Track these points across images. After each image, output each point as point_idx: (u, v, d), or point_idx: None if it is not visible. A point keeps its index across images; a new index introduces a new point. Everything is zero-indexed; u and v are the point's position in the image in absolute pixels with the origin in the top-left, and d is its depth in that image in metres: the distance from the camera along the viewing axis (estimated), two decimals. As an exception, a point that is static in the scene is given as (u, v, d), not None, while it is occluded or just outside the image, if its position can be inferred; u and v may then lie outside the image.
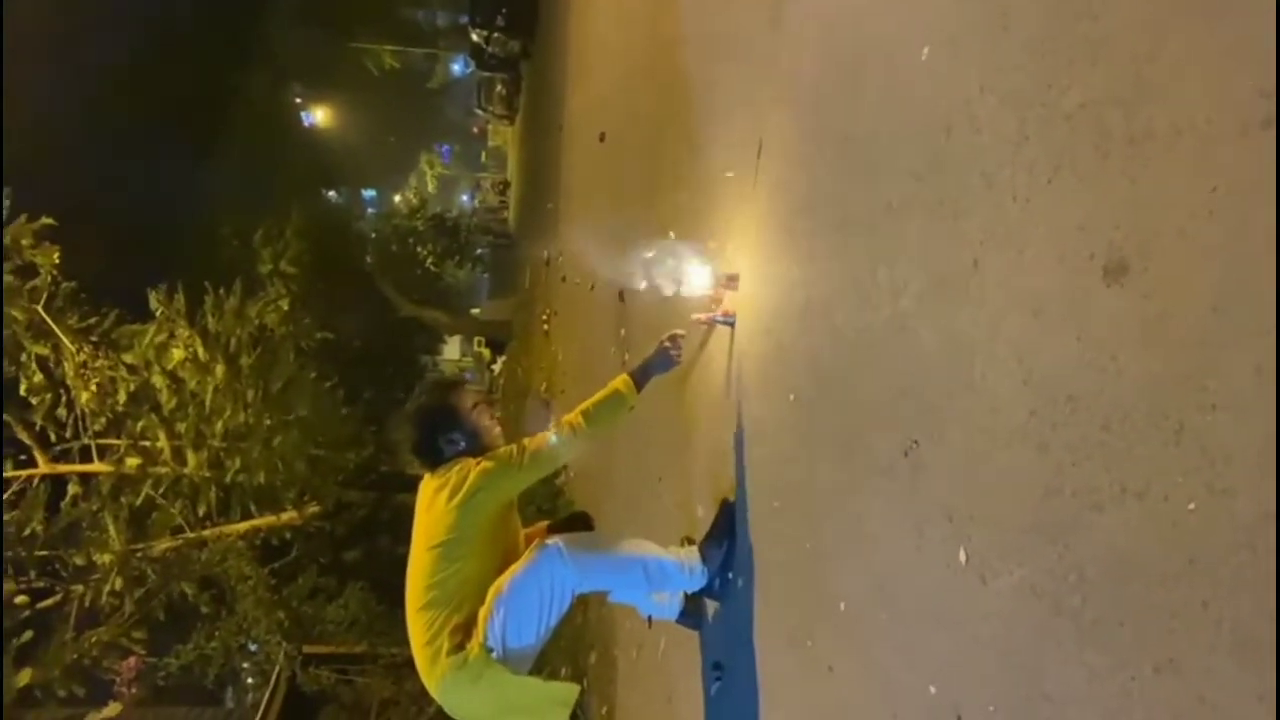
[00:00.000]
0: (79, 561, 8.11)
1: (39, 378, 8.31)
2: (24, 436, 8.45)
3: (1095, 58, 1.36)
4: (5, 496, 7.95)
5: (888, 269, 2.01)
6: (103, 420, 8.60)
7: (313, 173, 25.86)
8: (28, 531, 7.83)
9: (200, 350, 8.82)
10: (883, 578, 1.96)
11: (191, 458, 8.70)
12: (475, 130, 39.70)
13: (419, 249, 18.32)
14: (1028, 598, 1.43)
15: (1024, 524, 1.46)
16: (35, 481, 8.38)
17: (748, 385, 3.01)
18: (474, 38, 19.71)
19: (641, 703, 4.43)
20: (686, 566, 3.01)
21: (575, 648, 6.03)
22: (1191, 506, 1.13)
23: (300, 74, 29.34)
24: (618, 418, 2.97)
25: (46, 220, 8.25)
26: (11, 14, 13.60)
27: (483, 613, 2.72)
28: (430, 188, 36.89)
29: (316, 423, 9.74)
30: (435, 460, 2.94)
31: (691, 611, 3.30)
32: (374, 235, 19.09)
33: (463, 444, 2.93)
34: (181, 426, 8.71)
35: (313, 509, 10.01)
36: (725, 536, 3.03)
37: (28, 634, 7.33)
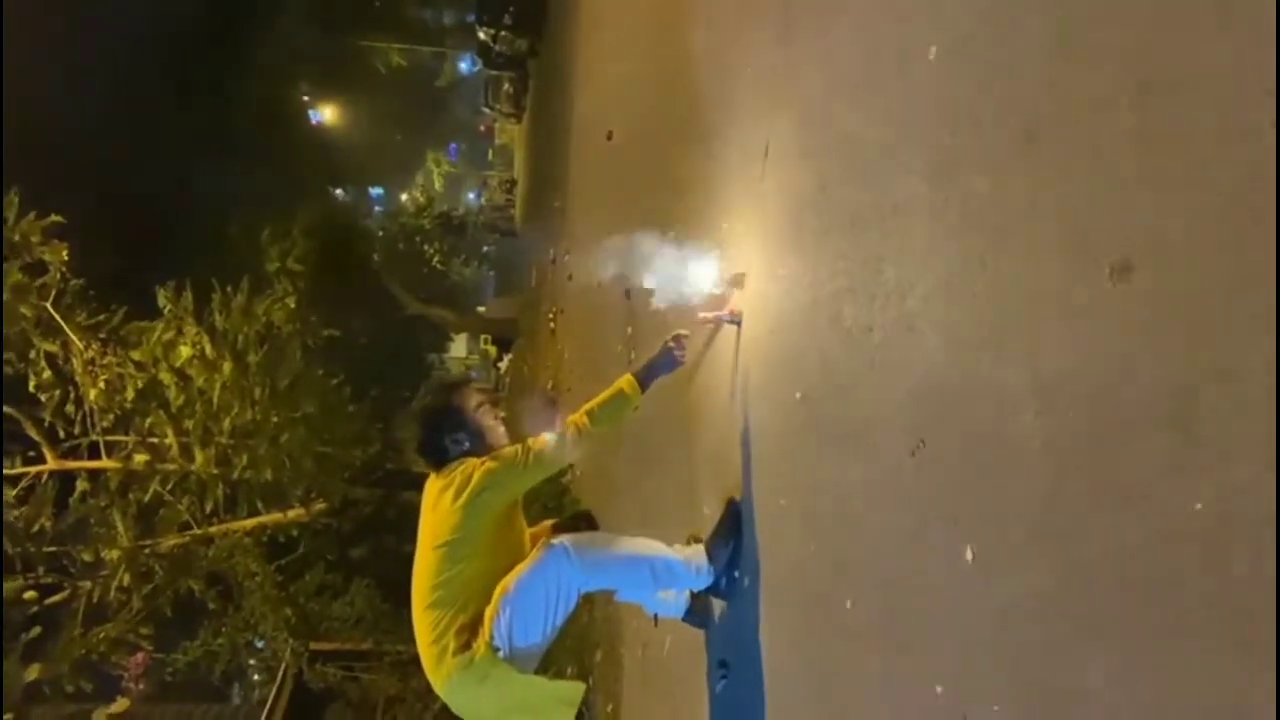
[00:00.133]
0: (87, 558, 8.14)
1: (47, 374, 8.34)
2: (33, 433, 8.48)
3: (1102, 59, 1.36)
4: (14, 493, 7.98)
5: (894, 269, 2.01)
6: (111, 417, 8.63)
7: (320, 171, 25.92)
8: (36, 528, 7.86)
9: (208, 348, 8.84)
10: (889, 577, 1.96)
11: (199, 454, 8.72)
12: (482, 128, 39.71)
13: (426, 247, 18.36)
14: (1033, 598, 1.43)
15: (1030, 524, 1.46)
16: (44, 478, 8.42)
17: (754, 384, 3.01)
18: (481, 36, 19.73)
19: (647, 701, 4.44)
20: (693, 565, 3.01)
21: (581, 646, 6.04)
22: (1198, 506, 1.13)
23: (308, 72, 29.40)
24: (622, 418, 2.97)
25: (55, 218, 8.28)
26: (19, 13, 13.65)
27: (489, 612, 2.72)
28: (437, 186, 36.94)
29: (323, 420, 9.75)
30: (440, 460, 2.94)
31: (697, 610, 3.30)
32: (381, 233, 19.14)
33: (468, 444, 2.94)
34: (189, 423, 8.73)
35: (319, 506, 10.03)
36: (732, 535, 3.04)
37: (36, 630, 7.37)
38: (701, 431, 3.70)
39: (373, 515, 10.50)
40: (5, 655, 7.04)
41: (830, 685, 2.28)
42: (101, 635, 7.94)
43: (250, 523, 9.51)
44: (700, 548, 3.07)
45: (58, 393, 8.40)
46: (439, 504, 2.82)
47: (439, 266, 18.92)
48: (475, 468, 2.80)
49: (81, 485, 8.53)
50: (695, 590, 3.20)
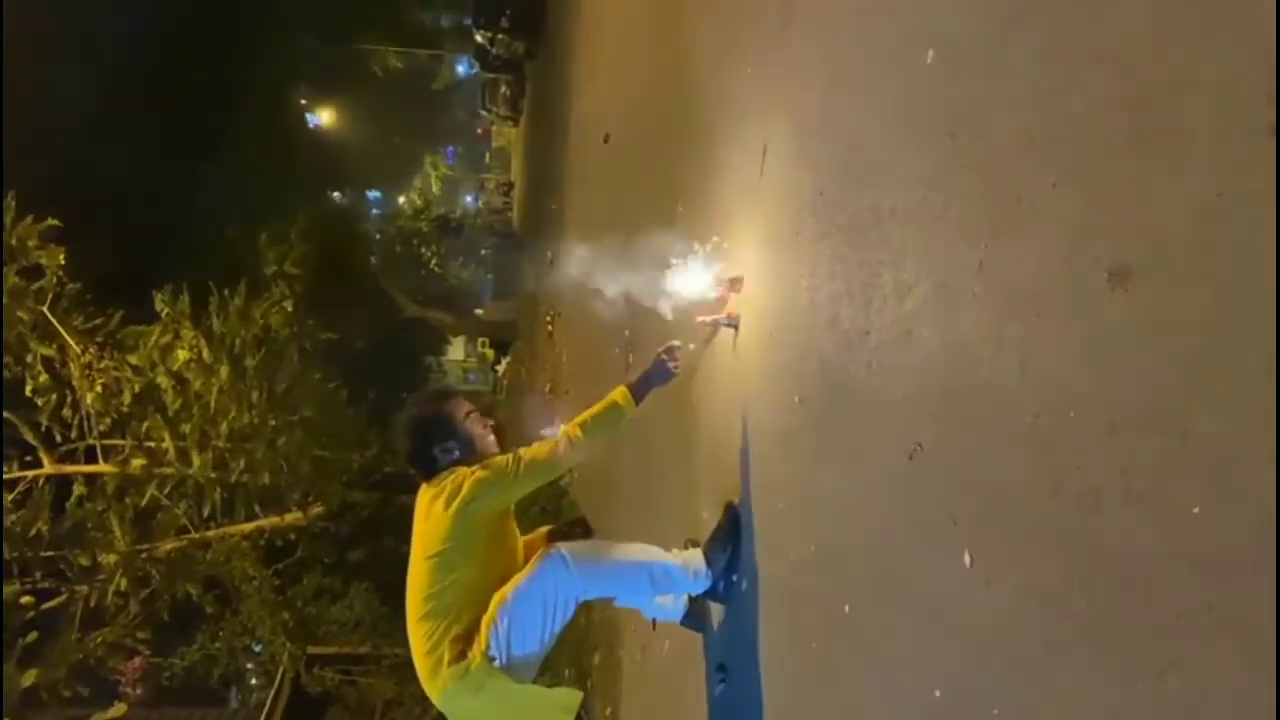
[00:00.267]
0: (84, 562, 8.13)
1: (44, 378, 8.33)
2: (29, 437, 8.47)
3: (1100, 61, 1.36)
4: (11, 497, 7.97)
5: (892, 271, 2.01)
6: (108, 421, 8.62)
7: (318, 174, 25.93)
8: (33, 532, 7.84)
9: (205, 351, 8.84)
10: (887, 580, 1.96)
11: (196, 458, 8.71)
12: (479, 131, 39.71)
13: (423, 250, 18.36)
14: (1032, 600, 1.43)
15: (1029, 526, 1.46)
16: (41, 482, 8.40)
17: (751, 388, 3.01)
18: (478, 39, 19.74)
19: (645, 704, 4.44)
20: (690, 569, 3.01)
21: (579, 649, 6.04)
22: (1196, 510, 1.13)
23: (305, 75, 29.40)
24: (616, 430, 2.96)
25: (52, 221, 8.27)
26: (17, 15, 13.64)
27: (485, 621, 2.72)
28: (435, 189, 36.92)
29: (321, 423, 9.75)
30: (430, 470, 2.94)
31: (695, 613, 3.30)
32: (379, 236, 19.13)
33: (457, 453, 2.94)
34: (186, 427, 8.73)
35: (317, 509, 10.02)
36: (730, 539, 3.03)
37: (33, 634, 7.35)
38: (700, 435, 3.69)
39: (371, 518, 10.49)
40: (3, 660, 7.02)
41: (829, 689, 2.27)
42: (99, 640, 7.93)
43: (248, 526, 9.50)
44: (698, 552, 3.07)
45: (55, 397, 8.39)
46: (430, 513, 2.82)
47: (436, 269, 18.91)
48: (465, 477, 2.80)
49: (78, 489, 8.52)
50: (693, 594, 3.20)
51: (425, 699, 2.85)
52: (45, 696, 7.32)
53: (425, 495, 2.89)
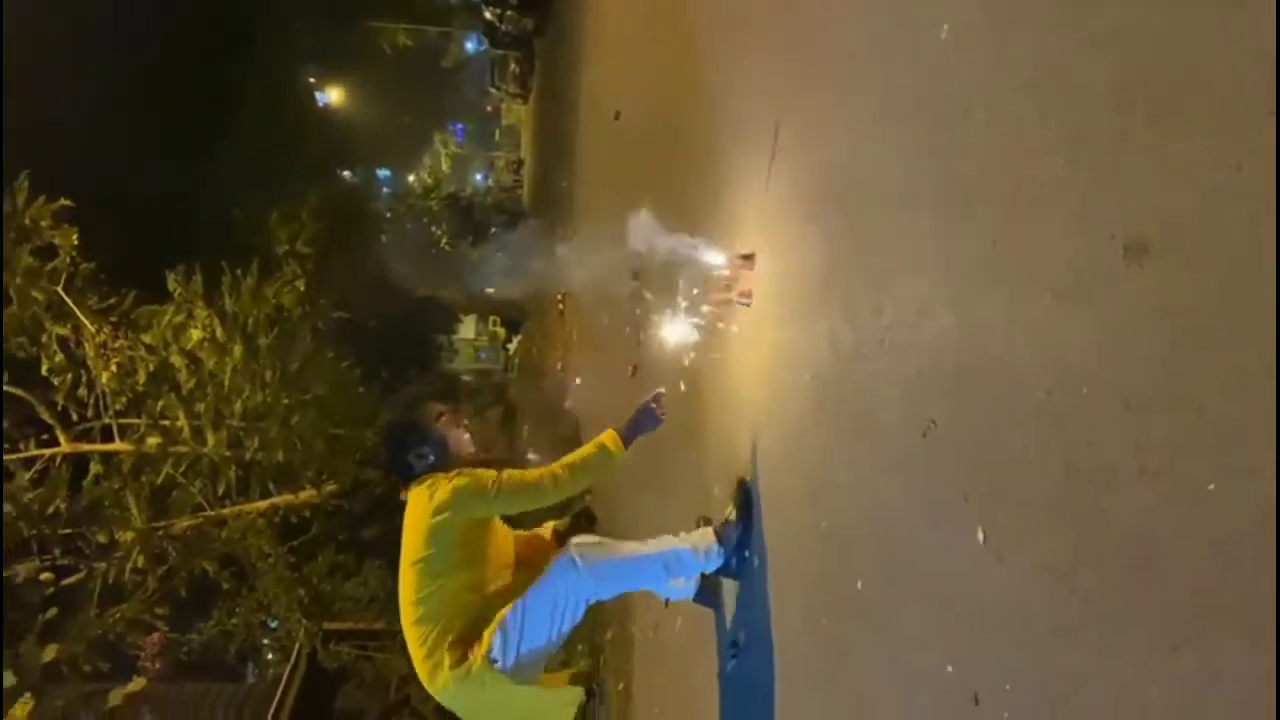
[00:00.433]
0: (102, 539, 8.22)
1: (60, 358, 8.39)
2: (46, 416, 8.54)
3: (1117, 38, 1.35)
4: (29, 475, 8.05)
5: (906, 248, 2.00)
6: (123, 400, 8.68)
7: (328, 153, 25.88)
8: (51, 510, 7.93)
9: (218, 331, 8.88)
10: (899, 557, 1.97)
11: (211, 437, 8.77)
12: (489, 108, 39.55)
13: (434, 229, 18.33)
14: (1045, 577, 1.43)
15: (1041, 504, 1.46)
16: (58, 460, 8.48)
17: (764, 365, 3.01)
18: (487, 15, 19.64)
19: (658, 679, 4.47)
20: (701, 549, 3.02)
21: (592, 625, 6.08)
22: (1211, 487, 1.13)
23: (315, 54, 29.28)
24: (603, 472, 2.94)
25: (65, 201, 8.30)
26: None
27: (490, 628, 2.77)
28: (444, 167, 36.84)
29: (333, 402, 9.80)
30: (409, 475, 2.96)
31: (708, 589, 3.32)
32: (389, 215, 19.12)
33: (432, 457, 2.95)
34: (200, 406, 8.78)
35: (331, 487, 10.09)
36: (742, 517, 3.04)
37: (53, 610, 7.45)
38: (711, 412, 3.70)
39: (384, 496, 10.56)
40: (24, 636, 7.12)
41: (841, 664, 2.29)
42: (117, 615, 8.03)
43: (262, 504, 9.58)
44: (709, 530, 3.08)
45: (70, 376, 8.45)
46: (413, 518, 2.85)
47: (447, 248, 18.90)
48: (443, 484, 2.81)
49: (95, 468, 8.60)
50: (706, 572, 3.22)
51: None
52: (66, 671, 7.42)
53: (410, 499, 2.92)
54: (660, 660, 4.39)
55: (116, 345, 8.69)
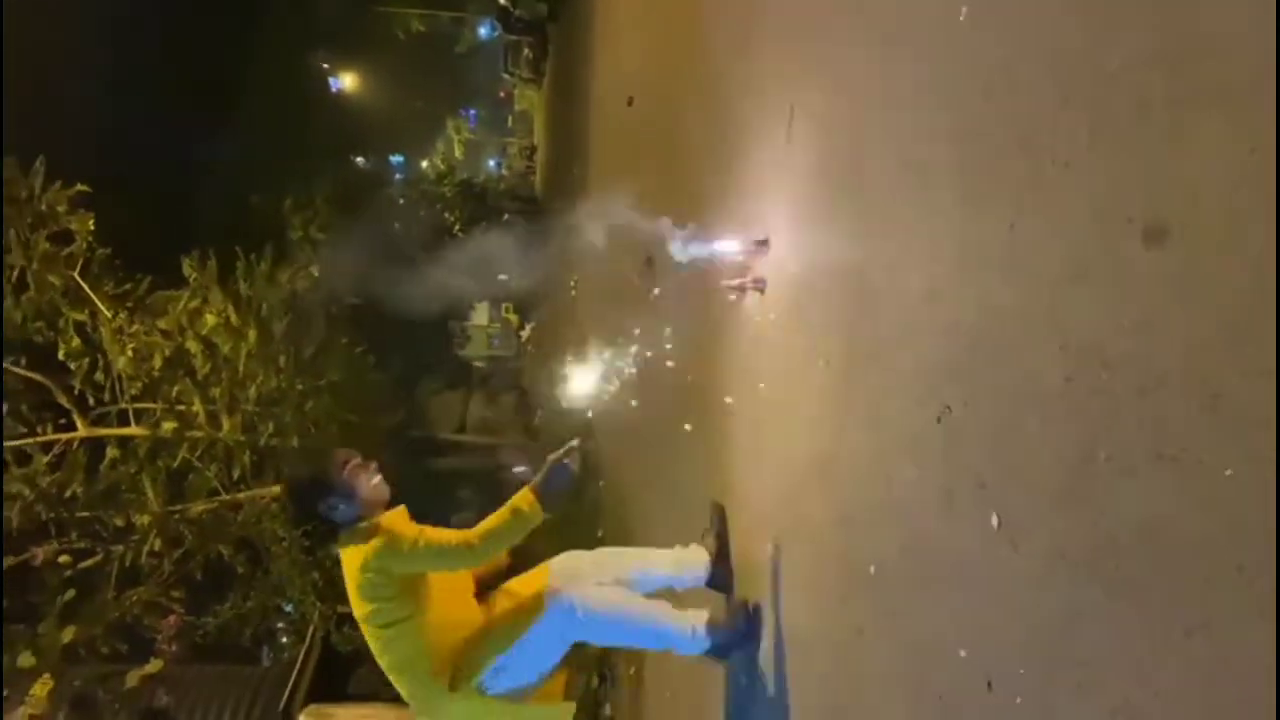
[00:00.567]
0: (119, 522, 8.28)
1: (76, 343, 8.43)
2: (64, 400, 8.60)
3: (1135, 19, 1.33)
4: (47, 459, 8.12)
5: (922, 233, 2.00)
6: (139, 385, 8.72)
7: (341, 139, 25.89)
8: (69, 493, 7.99)
9: (233, 316, 8.91)
10: (914, 543, 1.97)
11: (226, 422, 8.81)
12: (501, 94, 39.42)
13: (447, 214, 18.33)
14: (1059, 563, 1.43)
15: (1057, 489, 1.45)
16: (75, 445, 8.54)
17: (778, 351, 3.01)
18: (500, 1, 19.56)
19: (670, 663, 4.48)
20: (689, 628, 3.04)
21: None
22: (1228, 472, 1.12)
23: (327, 39, 29.26)
24: (521, 535, 2.84)
25: (81, 187, 8.33)
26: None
27: (478, 660, 2.84)
28: (457, 153, 36.79)
29: (347, 388, 9.83)
30: (328, 529, 2.93)
31: (725, 644, 3.22)
32: (402, 201, 19.12)
33: (341, 507, 2.87)
34: (216, 391, 8.82)
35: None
36: (742, 637, 3.05)
37: (71, 592, 7.52)
38: (725, 398, 3.70)
39: (398, 482, 10.60)
40: (43, 617, 7.20)
41: (852, 649, 2.29)
42: (134, 598, 8.09)
43: (277, 489, 9.63)
44: (703, 614, 3.10)
45: (87, 361, 8.50)
46: (347, 575, 2.86)
47: (460, 234, 18.90)
48: (363, 543, 2.78)
49: (112, 452, 8.66)
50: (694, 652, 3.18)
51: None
52: (84, 652, 7.50)
53: (341, 555, 2.91)
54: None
55: (132, 330, 8.73)
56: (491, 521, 2.79)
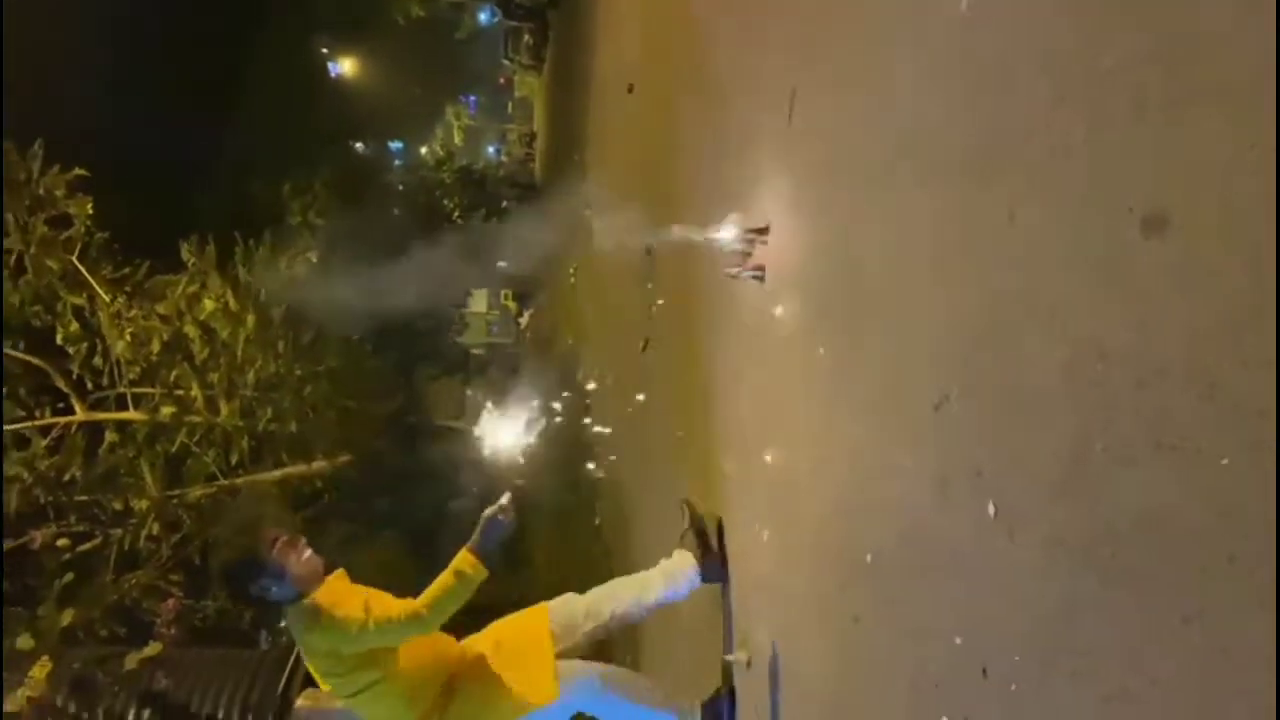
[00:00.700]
0: (117, 506, 8.31)
1: (75, 327, 8.44)
2: (62, 384, 8.61)
3: (1134, 15, 1.33)
4: (45, 443, 8.13)
5: (921, 221, 1.99)
6: (137, 369, 8.74)
7: (340, 125, 25.81)
8: (68, 477, 8.02)
9: (231, 301, 8.91)
10: (910, 531, 1.97)
11: (224, 407, 8.84)
12: (501, 81, 39.28)
13: (446, 201, 18.32)
14: (1056, 551, 1.44)
15: (1054, 479, 1.46)
16: (73, 429, 8.56)
17: (776, 339, 3.01)
18: (501, -14, 19.49)
19: (669, 653, 4.51)
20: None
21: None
22: (1225, 461, 1.13)
23: (327, 24, 29.13)
24: (467, 596, 2.83)
25: (79, 171, 8.32)
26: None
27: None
28: (457, 139, 36.68)
29: (345, 374, 9.86)
30: (267, 605, 2.89)
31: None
32: (401, 188, 19.10)
33: (275, 589, 2.79)
34: (214, 376, 8.84)
35: (342, 458, 10.16)
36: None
37: (69, 575, 7.55)
38: (722, 387, 3.70)
39: (396, 467, 10.62)
40: (41, 600, 7.22)
41: (849, 636, 2.30)
42: (133, 581, 8.13)
43: (275, 474, 9.66)
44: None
45: (85, 345, 8.51)
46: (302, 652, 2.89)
47: (459, 220, 18.88)
48: (310, 626, 2.77)
49: (110, 436, 8.68)
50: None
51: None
52: (83, 635, 7.52)
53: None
54: (668, 634, 4.42)
55: (131, 315, 8.74)
56: (436, 589, 2.78)
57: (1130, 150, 1.33)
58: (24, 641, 6.89)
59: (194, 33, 19.50)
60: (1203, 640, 1.14)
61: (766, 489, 3.07)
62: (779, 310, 2.98)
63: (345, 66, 33.55)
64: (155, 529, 8.32)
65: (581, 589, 3.29)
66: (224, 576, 2.91)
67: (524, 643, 3.07)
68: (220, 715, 7.48)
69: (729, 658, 3.23)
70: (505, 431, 3.20)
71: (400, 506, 10.96)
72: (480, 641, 3.14)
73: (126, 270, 8.86)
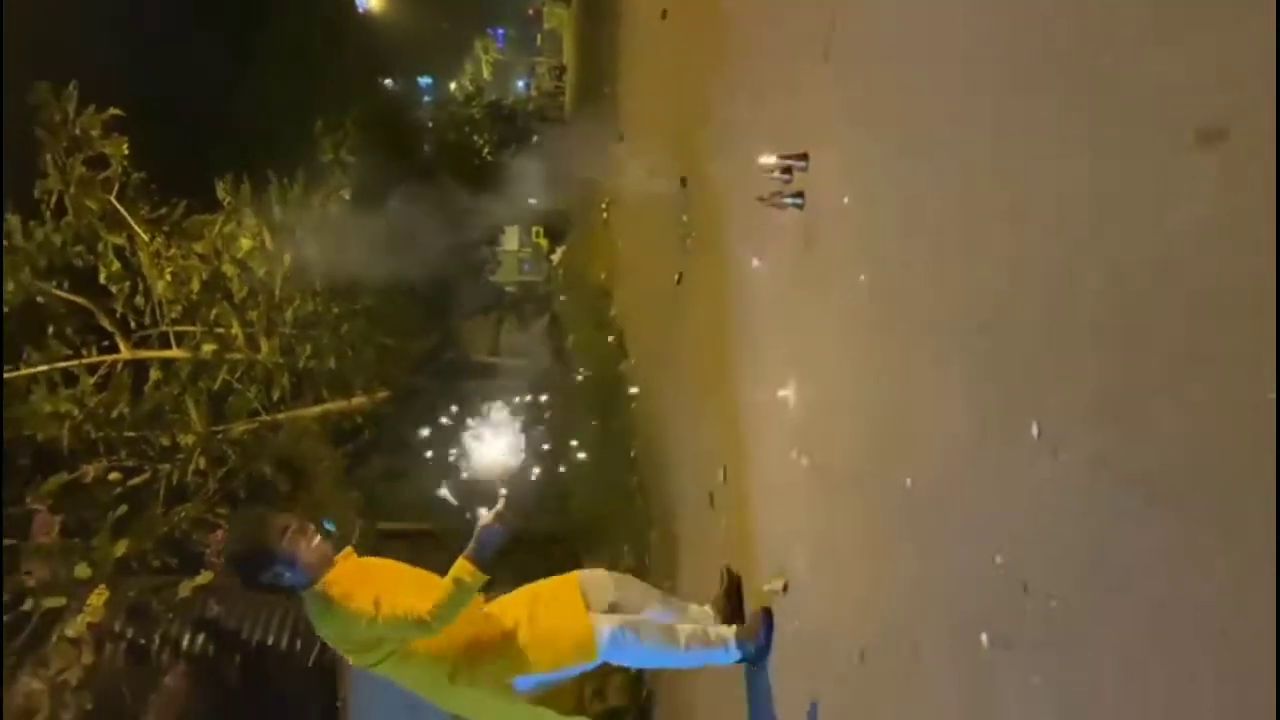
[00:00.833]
0: (165, 442, 8.52)
1: (116, 266, 8.56)
2: (106, 323, 8.77)
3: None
4: (93, 380, 8.32)
5: (964, 145, 1.96)
6: (179, 308, 8.87)
7: (369, 61, 25.58)
8: (115, 413, 8.22)
9: (268, 240, 8.98)
10: (951, 454, 1.98)
11: (264, 344, 8.97)
12: (530, 13, 38.66)
13: (475, 137, 18.19)
14: (1100, 468, 1.44)
15: (1100, 399, 1.45)
16: (119, 367, 8.74)
17: (818, 266, 2.99)
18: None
19: (704, 575, 4.59)
20: (723, 647, 3.23)
21: (639, 527, 6.22)
22: (1269, 397, 1.11)
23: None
24: (469, 601, 2.92)
25: (115, 111, 8.36)
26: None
27: (517, 666, 3.03)
28: (485, 74, 36.26)
29: (381, 312, 9.95)
30: (283, 592, 3.04)
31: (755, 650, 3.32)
32: (430, 124, 18.97)
33: (287, 575, 2.95)
34: (253, 314, 8.96)
35: (382, 394, 10.31)
36: (765, 639, 3.19)
37: (123, 508, 7.80)
38: (761, 316, 3.70)
39: (434, 403, 10.75)
40: (96, 532, 7.48)
41: (888, 558, 2.33)
42: (182, 514, 8.36)
43: (316, 410, 9.82)
44: (730, 629, 3.30)
45: (127, 284, 8.64)
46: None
47: (489, 157, 18.76)
48: (322, 613, 2.94)
49: (155, 374, 8.86)
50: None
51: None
52: (136, 566, 7.80)
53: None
54: (706, 557, 4.49)
55: (170, 254, 8.84)
56: (439, 596, 2.86)
57: (1184, 63, 1.29)
58: (81, 570, 7.17)
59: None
60: (1245, 552, 1.14)
61: (804, 415, 3.08)
62: (817, 237, 2.96)
63: (372, 1, 33.14)
64: (202, 463, 8.52)
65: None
66: (237, 565, 3.11)
67: (559, 604, 3.17)
68: (270, 640, 7.78)
69: (766, 587, 3.27)
70: (501, 439, 3.29)
71: (439, 440, 11.10)
72: (513, 603, 3.25)
73: (163, 210, 8.94)
